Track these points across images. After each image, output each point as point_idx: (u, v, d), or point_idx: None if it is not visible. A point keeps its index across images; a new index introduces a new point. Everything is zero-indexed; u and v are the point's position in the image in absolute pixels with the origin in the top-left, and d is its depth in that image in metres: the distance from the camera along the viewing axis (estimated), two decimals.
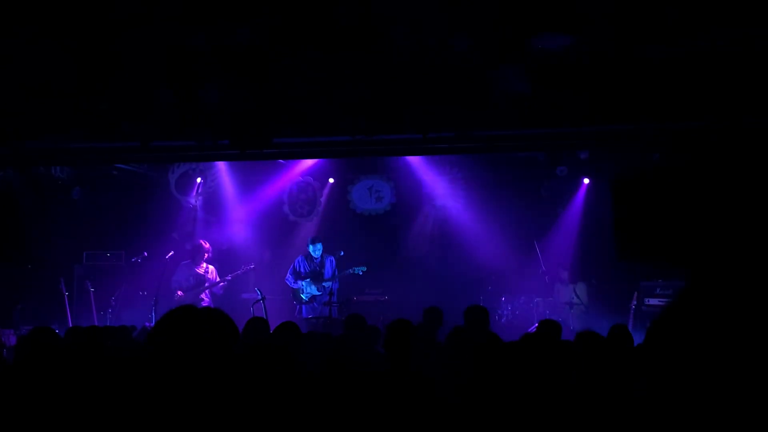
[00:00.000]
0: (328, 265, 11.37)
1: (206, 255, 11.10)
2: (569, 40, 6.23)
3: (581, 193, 12.54)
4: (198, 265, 10.91)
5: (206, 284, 10.81)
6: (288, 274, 11.41)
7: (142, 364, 2.03)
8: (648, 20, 6.45)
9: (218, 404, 2.00)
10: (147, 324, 8.45)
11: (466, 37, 6.93)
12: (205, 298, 10.83)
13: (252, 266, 11.53)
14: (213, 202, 13.38)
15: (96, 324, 10.29)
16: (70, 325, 9.60)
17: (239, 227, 13.14)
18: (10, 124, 8.53)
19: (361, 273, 11.36)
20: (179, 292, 10.71)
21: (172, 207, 13.07)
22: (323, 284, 11.17)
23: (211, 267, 11.13)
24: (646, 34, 6.65)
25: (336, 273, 11.35)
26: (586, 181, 12.40)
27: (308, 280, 11.24)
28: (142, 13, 6.38)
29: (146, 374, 1.96)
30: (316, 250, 11.32)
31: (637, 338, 6.82)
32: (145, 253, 11.99)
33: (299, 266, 11.43)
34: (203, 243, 11.22)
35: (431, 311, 7.33)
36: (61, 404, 3.80)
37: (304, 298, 11.26)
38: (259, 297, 10.31)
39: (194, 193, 13.25)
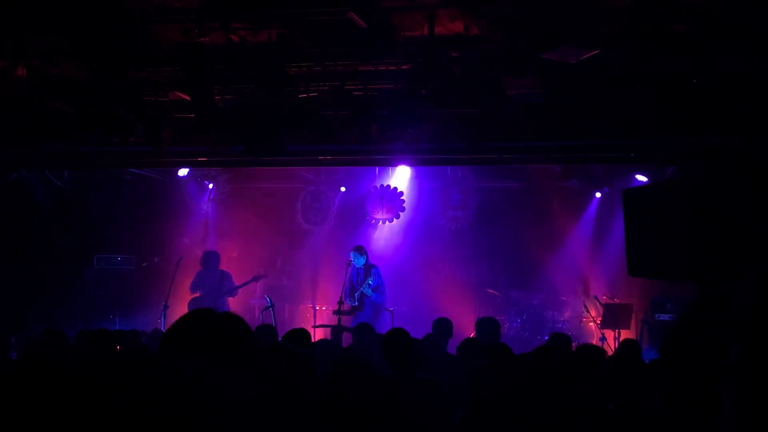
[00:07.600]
0: (368, 275, 10.69)
1: (217, 261, 11.14)
2: (586, 54, 6.21)
3: (593, 206, 12.50)
4: (212, 271, 10.95)
5: (224, 288, 10.84)
6: None
7: (155, 364, 2.04)
8: (666, 36, 6.44)
9: (229, 405, 2.00)
10: (157, 328, 8.45)
11: (481, 47, 6.94)
12: (225, 305, 10.83)
13: (264, 274, 11.44)
14: (224, 207, 13.41)
15: (106, 327, 10.31)
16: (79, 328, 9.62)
17: (250, 233, 13.15)
18: (25, 126, 8.58)
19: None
20: (197, 293, 10.75)
21: (183, 212, 13.11)
22: (358, 294, 10.57)
23: (226, 272, 11.15)
24: (664, 50, 6.64)
25: (379, 285, 10.63)
26: (598, 195, 12.36)
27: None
28: (158, 14, 6.43)
29: (158, 375, 1.96)
30: (356, 260, 10.63)
31: (647, 353, 6.77)
32: (156, 258, 12.02)
33: (353, 277, 10.75)
34: (212, 251, 11.32)
35: (441, 322, 7.29)
36: (66, 407, 3.79)
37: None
38: (269, 304, 10.31)
39: (206, 198, 13.28)
